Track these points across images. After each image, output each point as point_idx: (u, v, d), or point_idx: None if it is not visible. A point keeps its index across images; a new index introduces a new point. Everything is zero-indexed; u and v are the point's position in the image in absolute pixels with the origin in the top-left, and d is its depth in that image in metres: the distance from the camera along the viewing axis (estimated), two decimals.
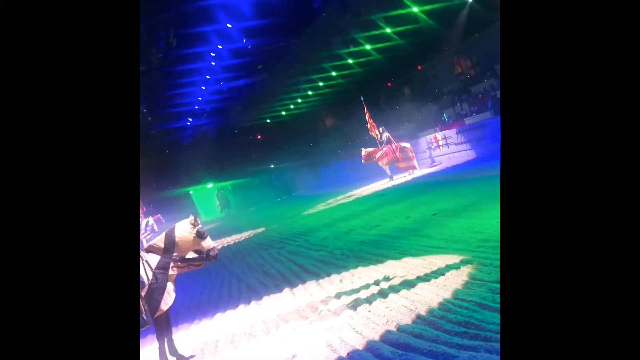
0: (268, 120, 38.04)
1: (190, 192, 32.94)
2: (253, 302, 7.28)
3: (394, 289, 5.64)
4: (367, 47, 25.32)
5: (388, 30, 23.54)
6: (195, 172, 33.92)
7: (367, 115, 18.86)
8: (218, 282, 10.00)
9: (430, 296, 5.00)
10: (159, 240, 5.64)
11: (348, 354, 4.25)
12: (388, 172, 18.92)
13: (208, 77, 26.67)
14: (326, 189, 24.12)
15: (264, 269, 9.75)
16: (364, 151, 18.96)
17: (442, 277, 5.51)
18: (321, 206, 18.60)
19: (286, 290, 7.33)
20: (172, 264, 5.58)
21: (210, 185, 33.70)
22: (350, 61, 27.30)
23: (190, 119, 34.25)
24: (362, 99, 19.51)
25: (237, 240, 16.06)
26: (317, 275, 7.65)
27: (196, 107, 32.15)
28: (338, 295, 6.14)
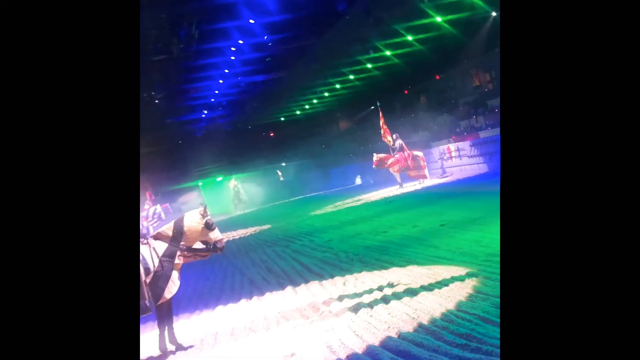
0: (282, 119, 38.11)
1: (200, 184, 33.02)
2: (255, 298, 7.30)
3: (397, 296, 5.63)
4: (387, 52, 25.29)
5: (409, 37, 23.51)
6: (205, 164, 34.02)
7: (381, 121, 18.84)
8: (221, 274, 10.04)
9: (433, 306, 4.98)
10: (168, 228, 5.68)
11: (347, 356, 4.24)
12: (398, 179, 18.88)
13: (227, 70, 26.77)
14: (335, 191, 24.12)
15: (268, 265, 9.77)
16: (375, 156, 18.94)
17: (446, 288, 5.49)
18: (329, 208, 18.60)
19: (289, 289, 7.34)
20: (178, 253, 5.61)
21: (219, 179, 33.76)
22: (369, 65, 27.29)
23: (205, 111, 34.38)
24: (378, 104, 19.50)
25: (242, 235, 16.10)
26: (320, 276, 7.65)
27: (212, 99, 32.27)
28: (340, 298, 6.14)
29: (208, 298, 8.06)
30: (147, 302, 5.26)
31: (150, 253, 5.46)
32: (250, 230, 17.12)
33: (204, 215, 5.69)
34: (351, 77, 29.35)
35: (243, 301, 7.27)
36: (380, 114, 18.98)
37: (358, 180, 18.40)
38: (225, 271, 10.27)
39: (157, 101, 24.76)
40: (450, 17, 21.35)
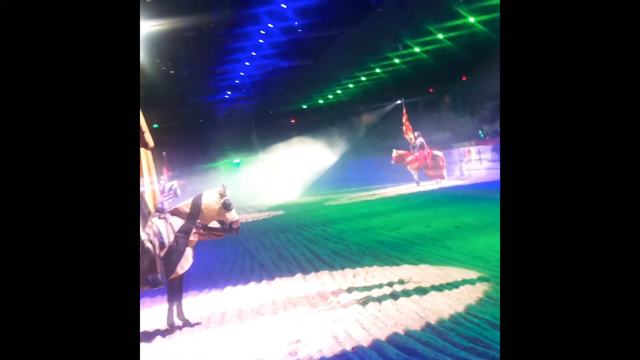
0: (304, 106, 38.08)
1: (219, 165, 33.15)
2: (264, 282, 7.35)
3: (407, 293, 5.63)
4: (417, 49, 25.08)
5: (440, 36, 23.27)
6: (224, 145, 34.16)
7: (404, 117, 18.74)
8: (232, 255, 10.11)
9: (442, 307, 4.97)
10: (186, 205, 5.73)
11: (352, 348, 4.26)
12: (416, 177, 18.79)
13: (254, 53, 26.78)
14: (351, 183, 24.08)
15: (279, 251, 9.83)
16: (395, 152, 18.86)
17: (456, 290, 5.47)
18: (343, 199, 18.60)
19: (298, 276, 7.37)
20: (194, 230, 5.66)
21: (237, 160, 33.87)
22: (396, 60, 27.10)
23: (229, 92, 34.48)
24: (403, 100, 19.39)
25: (255, 219, 16.18)
26: (331, 266, 7.67)
27: (237, 81, 32.34)
28: (350, 290, 6.16)
29: (217, 278, 8.14)
30: (159, 275, 5.33)
31: (167, 228, 5.51)
32: (263, 215, 17.21)
33: (222, 195, 5.73)
34: (377, 70, 29.18)
35: (252, 284, 7.32)
36: (404, 110, 18.88)
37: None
38: (236, 253, 10.35)
39: (182, 78, 24.85)
40: (483, 17, 21.06)
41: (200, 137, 34.47)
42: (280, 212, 17.49)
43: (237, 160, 34.14)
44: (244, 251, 10.37)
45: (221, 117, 36.46)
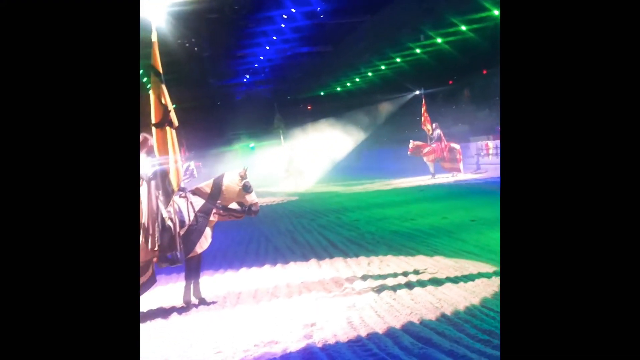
0: (322, 93, 37.97)
1: (235, 148, 33.23)
2: (279, 265, 7.42)
3: (422, 284, 5.65)
4: (439, 40, 24.84)
5: (463, 27, 23.02)
6: (240, 128, 34.23)
7: (423, 108, 18.63)
8: (247, 238, 10.21)
9: (458, 298, 4.99)
10: (207, 186, 5.79)
11: (367, 334, 4.30)
12: (431, 169, 18.71)
13: (275, 37, 26.72)
14: (366, 172, 24.07)
15: (293, 235, 9.89)
16: (412, 143, 18.78)
17: (471, 283, 5.48)
18: (357, 188, 18.60)
19: (313, 261, 7.43)
20: (214, 210, 5.73)
21: (252, 145, 33.93)
22: (417, 50, 26.87)
23: (247, 76, 34.50)
24: (422, 91, 19.27)
25: (269, 203, 16.26)
26: (345, 254, 7.71)
27: (256, 65, 32.34)
28: (364, 277, 6.19)
29: (232, 259, 8.23)
30: (178, 253, 5.41)
31: (187, 207, 5.59)
32: (277, 199, 17.29)
33: (243, 177, 5.78)
34: (398, 59, 28.97)
35: (267, 266, 7.40)
36: (423, 101, 18.77)
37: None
38: (251, 235, 10.44)
39: (203, 59, 24.89)
40: None
41: (217, 119, 34.57)
42: (295, 198, 17.57)
43: (252, 145, 34.22)
44: (258, 234, 10.45)
45: (238, 101, 36.50)
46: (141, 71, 23.34)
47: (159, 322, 5.34)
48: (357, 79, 34.43)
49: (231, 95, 36.79)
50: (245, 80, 35.17)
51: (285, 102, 37.15)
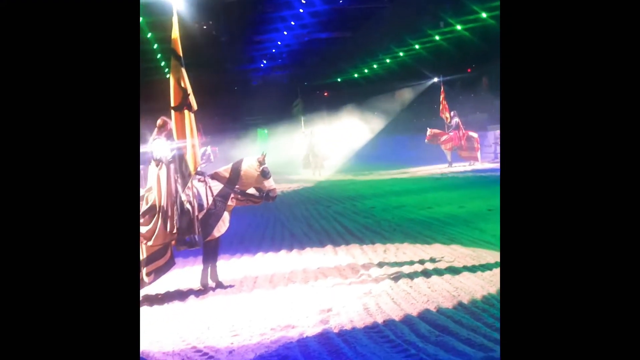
0: (339, 79, 37.74)
1: (252, 133, 33.24)
2: (295, 251, 7.44)
3: (438, 272, 5.63)
4: (458, 27, 24.50)
5: (484, 14, 22.66)
6: (256, 114, 34.23)
7: (442, 96, 18.45)
8: (263, 223, 10.25)
9: (475, 287, 4.96)
10: (225, 170, 5.82)
11: (384, 321, 4.30)
12: (449, 157, 18.57)
13: (293, 23, 26.58)
14: (382, 160, 23.95)
15: (309, 222, 9.91)
16: (429, 131, 18.63)
17: (489, 272, 5.45)
18: (374, 176, 18.55)
19: (329, 247, 7.44)
20: (232, 195, 5.76)
21: (265, 130, 33.90)
22: (437, 37, 26.54)
23: (264, 61, 34.43)
24: (441, 78, 19.07)
25: (285, 190, 16.29)
26: (361, 240, 7.71)
27: (273, 50, 32.25)
28: (380, 264, 6.19)
29: (249, 244, 8.27)
30: (196, 236, 5.45)
31: (206, 191, 5.62)
32: (293, 186, 17.31)
33: (261, 163, 5.79)
34: (417, 46, 28.64)
35: (283, 252, 7.43)
36: (442, 89, 18.57)
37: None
38: (267, 221, 10.48)
39: (221, 44, 24.85)
40: None
41: (234, 104, 34.58)
42: (310, 185, 17.57)
43: (265, 130, 34.20)
44: (274, 220, 10.49)
45: (255, 86, 36.47)
46: (159, 55, 23.44)
47: (176, 304, 5.40)
48: (375, 66, 34.12)
49: (248, 81, 36.74)
50: (262, 65, 35.10)
51: (302, 88, 37.04)
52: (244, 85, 36.40)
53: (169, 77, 5.37)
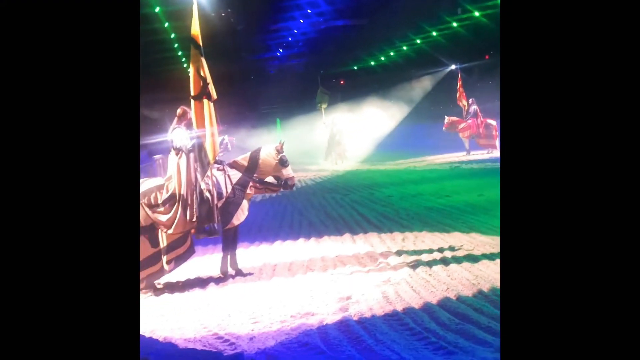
0: (355, 67, 37.51)
1: (271, 121, 33.17)
2: (313, 239, 7.46)
3: (457, 260, 5.61)
4: (476, 13, 24.15)
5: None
6: (273, 103, 34.20)
7: (459, 83, 18.24)
8: (280, 212, 10.30)
9: (495, 276, 4.93)
10: (244, 159, 5.84)
11: (403, 309, 4.30)
12: (467, 145, 18.39)
13: (309, 10, 26.43)
14: (399, 148, 23.82)
15: (327, 210, 9.92)
16: (447, 119, 18.44)
17: None
18: (390, 164, 18.47)
19: (347, 236, 7.44)
20: (251, 184, 5.79)
21: (277, 119, 33.80)
22: (454, 24, 26.20)
23: (281, 50, 34.34)
24: (458, 66, 18.85)
25: (301, 179, 16.31)
26: (379, 229, 7.70)
27: (290, 38, 32.13)
28: (399, 253, 6.18)
29: (267, 232, 8.31)
30: (215, 225, 5.50)
31: (225, 179, 5.65)
32: (310, 175, 17.32)
33: (279, 151, 5.81)
34: (434, 33, 28.31)
35: (301, 240, 7.45)
36: (459, 76, 18.36)
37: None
38: (285, 209, 10.52)
39: (238, 33, 24.82)
40: None
41: (250, 93, 34.59)
42: (326, 173, 17.57)
43: (277, 119, 34.09)
44: (292, 209, 10.52)
45: (272, 75, 36.39)
46: (176, 45, 23.51)
47: (197, 292, 5.47)
48: (392, 53, 33.79)
49: (264, 69, 36.67)
50: (278, 54, 35.00)
51: (318, 75, 36.88)
52: (260, 74, 36.34)
53: (188, 67, 5.41)
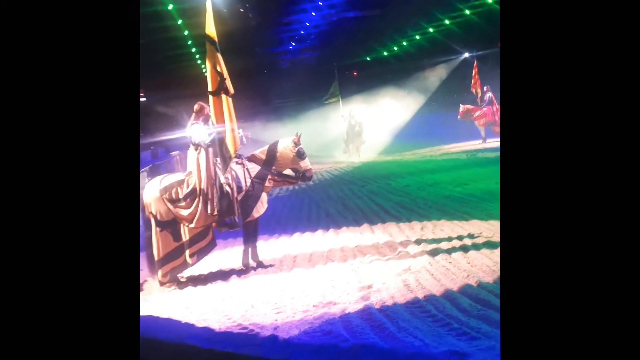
0: (368, 58, 37.34)
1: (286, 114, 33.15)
2: (331, 230, 7.51)
3: (477, 247, 5.62)
4: (489, 0, 23.87)
5: None
6: (286, 96, 34.22)
7: (474, 70, 18.09)
8: (297, 204, 10.36)
9: None
10: (262, 152, 5.91)
11: (425, 296, 4.34)
12: (482, 133, 18.27)
13: (321, 3, 26.36)
14: (414, 138, 23.73)
15: (344, 202, 9.96)
16: (462, 107, 18.33)
17: None
18: (407, 154, 18.44)
19: (365, 226, 7.48)
20: (269, 176, 5.85)
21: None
22: (467, 12, 25.94)
23: (293, 43, 34.32)
24: (473, 53, 18.69)
25: (317, 171, 16.35)
26: (397, 218, 7.73)
27: (302, 32, 32.09)
28: (418, 242, 6.21)
29: (285, 224, 8.39)
30: (236, 218, 5.59)
31: (244, 173, 5.72)
32: (326, 167, 17.37)
33: (296, 144, 5.85)
34: (447, 21, 28.07)
35: (320, 231, 7.51)
36: (475, 63, 18.21)
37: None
38: (302, 202, 10.59)
39: (250, 27, 24.85)
40: None
41: (263, 87, 34.65)
42: (343, 165, 17.60)
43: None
44: (309, 201, 10.58)
45: (284, 69, 36.41)
46: (189, 41, 23.65)
47: (219, 284, 5.56)
48: (405, 43, 33.60)
49: (277, 63, 36.70)
50: (291, 47, 34.99)
51: (331, 68, 36.79)
52: (273, 68, 36.37)
53: (203, 63, 5.47)
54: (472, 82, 18.21)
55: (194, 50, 24.66)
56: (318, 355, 3.19)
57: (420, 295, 4.39)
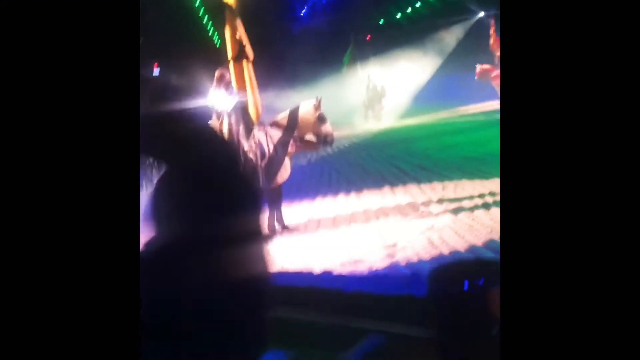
0: (381, 22, 36.71)
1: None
2: (353, 194, 7.60)
3: (499, 204, 5.65)
4: None
5: None
6: (299, 63, 33.93)
7: (491, 29, 17.71)
8: (317, 171, 10.44)
9: None
10: (283, 118, 5.97)
11: (450, 252, 4.44)
12: (499, 93, 18.04)
13: None
14: (430, 101, 23.51)
15: (364, 167, 10.02)
16: (479, 67, 17.99)
17: None
18: (425, 117, 18.33)
19: (386, 189, 7.55)
20: (291, 142, 5.92)
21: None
22: None
23: (304, 9, 33.84)
24: (491, 12, 18.29)
25: (335, 138, 16.34)
26: (418, 180, 7.77)
27: None
28: (440, 201, 6.27)
29: (307, 190, 8.48)
30: (260, 184, 5.68)
31: (266, 139, 5.80)
32: (342, 132, 17.31)
33: (317, 108, 5.90)
34: None
35: (341, 195, 7.61)
36: (492, 22, 17.81)
37: None
38: (322, 168, 10.66)
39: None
40: None
41: (276, 56, 34.37)
42: (360, 131, 17.58)
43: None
44: (328, 167, 10.65)
45: (296, 36, 36.01)
46: (202, 11, 23.40)
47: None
48: (418, 4, 32.94)
49: (289, 31, 36.30)
50: (302, 14, 34.54)
51: (343, 33, 36.26)
52: (285, 36, 36.00)
53: (219, 31, 5.50)
54: (491, 41, 17.84)
55: (205, 20, 24.47)
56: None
57: (445, 251, 4.50)
